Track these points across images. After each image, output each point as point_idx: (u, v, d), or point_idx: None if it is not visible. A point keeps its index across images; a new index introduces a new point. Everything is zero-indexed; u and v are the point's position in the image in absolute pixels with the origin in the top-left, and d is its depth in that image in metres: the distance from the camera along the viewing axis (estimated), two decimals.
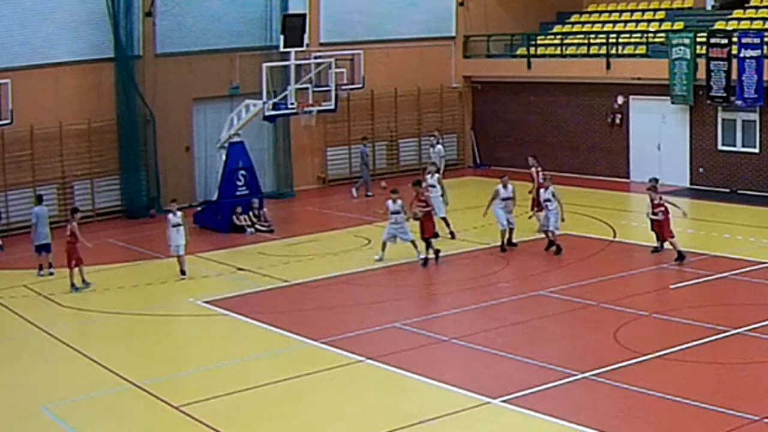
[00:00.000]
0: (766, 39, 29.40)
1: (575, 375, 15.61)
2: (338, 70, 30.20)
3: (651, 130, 33.10)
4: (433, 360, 16.93)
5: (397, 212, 23.59)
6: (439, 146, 32.27)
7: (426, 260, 23.43)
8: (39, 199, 25.56)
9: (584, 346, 17.39)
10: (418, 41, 37.36)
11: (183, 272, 23.23)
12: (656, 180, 24.21)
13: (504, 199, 24.24)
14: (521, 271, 22.63)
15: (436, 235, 24.52)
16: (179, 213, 23.52)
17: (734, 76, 29.79)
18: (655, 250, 23.32)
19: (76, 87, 30.61)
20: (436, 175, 26.62)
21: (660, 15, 35.73)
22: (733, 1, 34.03)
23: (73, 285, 22.52)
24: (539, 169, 26.88)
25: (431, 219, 23.90)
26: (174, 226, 23.25)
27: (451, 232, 25.91)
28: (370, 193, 32.93)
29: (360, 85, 32.80)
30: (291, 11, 32.49)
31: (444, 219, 25.87)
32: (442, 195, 25.88)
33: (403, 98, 37.25)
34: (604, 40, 34.42)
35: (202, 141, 32.94)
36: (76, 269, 22.62)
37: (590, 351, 16.98)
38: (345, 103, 34.40)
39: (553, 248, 23.69)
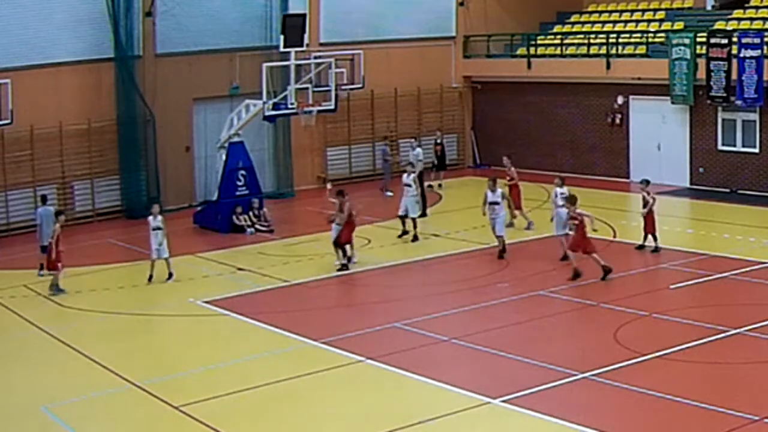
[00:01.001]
0: (766, 39, 29.40)
1: (575, 375, 15.61)
2: (338, 70, 30.18)
3: (651, 130, 33.11)
4: (433, 360, 16.93)
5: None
6: (419, 149, 32.12)
7: (344, 266, 23.42)
8: (43, 200, 25.54)
9: (584, 346, 17.39)
10: (418, 41, 37.36)
11: (151, 277, 22.93)
12: (647, 181, 24.38)
13: (491, 204, 24.01)
14: (521, 271, 22.63)
15: (406, 233, 25.65)
16: (159, 217, 23.20)
17: (734, 76, 29.80)
18: (655, 249, 23.44)
19: (76, 87, 30.61)
20: (412, 175, 26.73)
21: (660, 15, 35.74)
22: (733, 1, 34.03)
23: (54, 286, 22.36)
24: (513, 168, 27.46)
25: (350, 228, 23.81)
26: (153, 229, 22.98)
27: (415, 236, 26.10)
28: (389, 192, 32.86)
29: (360, 85, 32.79)
30: (291, 11, 32.49)
31: (413, 220, 26.19)
32: (417, 195, 26.30)
33: (403, 98, 37.26)
34: (604, 40, 34.43)
35: (202, 141, 32.93)
36: (57, 271, 22.38)
37: (590, 351, 16.98)
38: (345, 103, 34.41)
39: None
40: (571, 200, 21.87)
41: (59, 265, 22.35)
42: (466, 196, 31.14)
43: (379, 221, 26.80)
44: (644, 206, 23.68)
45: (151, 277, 22.98)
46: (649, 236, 23.79)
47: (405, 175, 26.73)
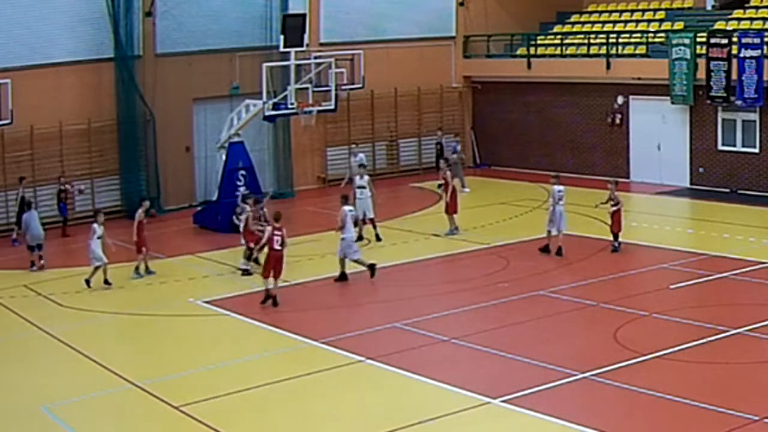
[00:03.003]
0: (766, 39, 29.41)
1: (575, 375, 15.61)
2: (338, 70, 30.19)
3: (651, 130, 33.11)
4: (433, 360, 16.92)
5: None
6: (361, 155, 31.57)
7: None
8: (29, 206, 25.51)
9: (584, 346, 17.39)
10: (418, 41, 37.36)
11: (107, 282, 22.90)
12: (616, 182, 24.59)
13: (340, 229, 22.58)
14: (521, 271, 22.62)
15: (360, 238, 25.58)
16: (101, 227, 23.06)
17: (734, 76, 29.80)
18: (615, 250, 23.65)
19: (76, 87, 30.59)
20: (366, 177, 26.62)
21: (660, 15, 35.74)
22: (733, 1, 34.03)
23: (137, 270, 23.35)
24: (448, 172, 27.17)
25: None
26: (98, 237, 22.72)
27: (360, 236, 26.02)
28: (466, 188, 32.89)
29: (360, 85, 32.79)
30: (291, 11, 32.50)
31: (372, 221, 26.25)
32: (370, 196, 26.21)
33: (403, 98, 37.25)
34: (604, 40, 34.43)
35: (202, 141, 32.93)
36: (140, 257, 23.41)
37: (590, 351, 16.98)
38: (345, 103, 34.41)
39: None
40: (275, 217, 21.44)
41: (143, 249, 23.38)
42: (466, 196, 31.10)
43: (379, 221, 26.76)
44: (613, 204, 23.65)
45: (107, 280, 22.81)
46: (615, 235, 23.83)
47: (358, 178, 26.62)
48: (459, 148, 33.99)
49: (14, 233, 27.63)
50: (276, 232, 20.69)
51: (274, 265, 20.64)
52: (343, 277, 22.31)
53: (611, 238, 23.91)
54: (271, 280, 20.73)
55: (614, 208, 23.68)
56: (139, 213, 23.83)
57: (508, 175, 35.20)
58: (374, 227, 26.29)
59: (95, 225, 22.95)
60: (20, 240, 27.16)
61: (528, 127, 36.84)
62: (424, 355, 17.20)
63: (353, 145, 32.35)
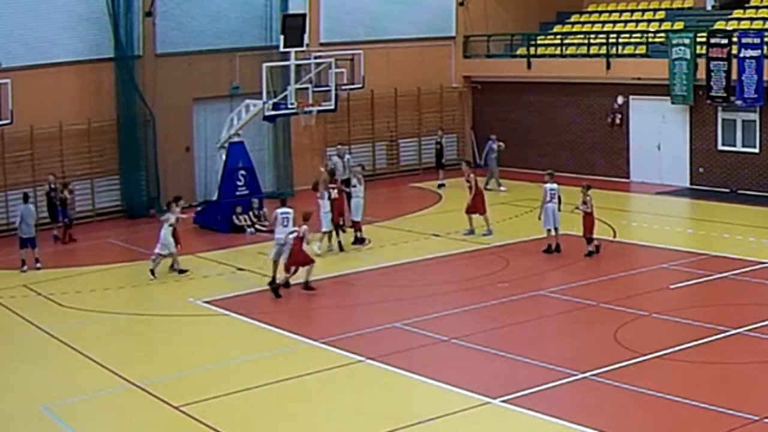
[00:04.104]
0: (766, 39, 29.41)
1: (575, 375, 15.61)
2: (338, 70, 30.15)
3: (651, 130, 33.11)
4: (433, 360, 16.92)
5: None
6: (348, 156, 31.15)
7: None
8: (25, 198, 25.65)
9: (584, 346, 17.40)
10: (418, 41, 37.37)
11: (181, 271, 23.47)
12: (588, 186, 23.98)
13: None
14: (521, 271, 22.63)
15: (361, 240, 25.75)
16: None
17: (734, 76, 29.80)
18: (596, 251, 23.40)
19: (76, 87, 30.59)
20: (362, 181, 26.34)
21: (660, 15, 35.75)
22: (733, 1, 34.03)
23: (172, 266, 23.43)
24: (473, 175, 26.69)
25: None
26: (171, 225, 23.24)
27: (362, 238, 25.90)
28: (489, 187, 32.59)
29: (360, 85, 32.77)
30: (291, 11, 32.47)
31: (357, 224, 25.94)
32: (361, 198, 25.95)
33: (403, 98, 37.25)
34: (604, 40, 34.43)
35: (202, 141, 32.92)
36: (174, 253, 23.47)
37: (590, 351, 16.98)
38: (345, 103, 34.41)
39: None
40: (304, 217, 21.92)
41: (178, 246, 23.39)
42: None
43: (379, 221, 26.77)
44: (586, 207, 23.36)
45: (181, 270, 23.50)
46: (590, 239, 23.57)
47: (356, 181, 26.30)
48: (495, 146, 33.56)
49: (55, 230, 27.90)
50: (295, 228, 21.56)
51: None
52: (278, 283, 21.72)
53: (591, 242, 23.65)
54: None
55: (582, 211, 23.45)
56: (177, 211, 23.77)
57: (508, 175, 35.14)
58: (359, 230, 25.88)
59: (169, 213, 23.15)
60: (60, 235, 27.61)
61: (528, 127, 36.83)
62: (424, 355, 17.20)
63: (339, 146, 32.15)
